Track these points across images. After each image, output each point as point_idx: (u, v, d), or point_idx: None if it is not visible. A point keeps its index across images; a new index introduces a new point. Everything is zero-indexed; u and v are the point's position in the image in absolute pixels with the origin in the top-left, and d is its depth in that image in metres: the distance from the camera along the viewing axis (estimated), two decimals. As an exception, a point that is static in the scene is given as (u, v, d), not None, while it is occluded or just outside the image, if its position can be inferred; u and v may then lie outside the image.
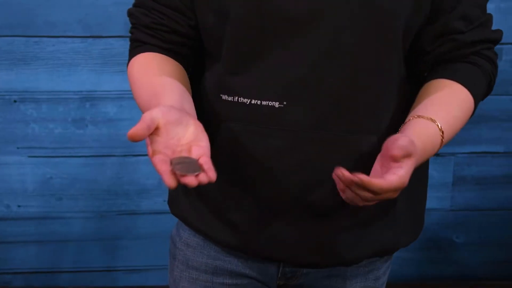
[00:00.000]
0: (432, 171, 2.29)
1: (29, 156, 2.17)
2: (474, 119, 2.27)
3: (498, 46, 1.13)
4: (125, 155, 2.20)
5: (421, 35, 1.12)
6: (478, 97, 1.16)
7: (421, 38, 1.13)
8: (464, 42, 1.13)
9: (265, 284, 1.22)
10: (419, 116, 1.08)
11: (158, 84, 1.09)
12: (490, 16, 1.18)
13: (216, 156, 1.12)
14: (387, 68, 1.11)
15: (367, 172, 1.06)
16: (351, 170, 0.99)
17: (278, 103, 1.07)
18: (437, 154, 2.30)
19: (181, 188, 1.21)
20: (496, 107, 2.28)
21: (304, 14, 1.06)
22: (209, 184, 1.14)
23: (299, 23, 1.06)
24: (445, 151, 2.30)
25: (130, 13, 1.20)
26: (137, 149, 2.18)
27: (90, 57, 2.11)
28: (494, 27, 1.20)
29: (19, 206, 2.20)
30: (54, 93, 2.12)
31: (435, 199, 2.34)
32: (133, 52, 1.18)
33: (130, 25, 1.20)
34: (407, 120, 1.09)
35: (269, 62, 1.08)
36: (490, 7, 2.31)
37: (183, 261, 1.25)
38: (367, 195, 0.98)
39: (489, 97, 2.35)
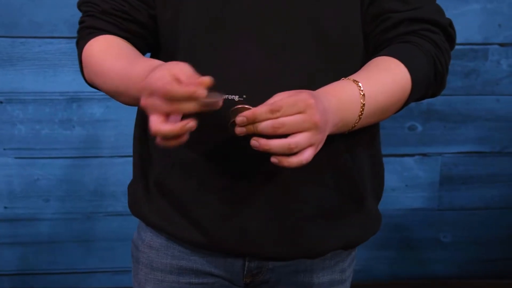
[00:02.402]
0: (419, 171, 2.30)
1: (16, 158, 2.16)
2: (460, 119, 2.30)
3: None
4: (111, 156, 2.19)
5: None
6: (416, 73, 1.09)
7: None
8: (399, 20, 1.11)
9: (232, 282, 1.21)
10: (342, 79, 1.06)
11: (132, 54, 1.09)
12: (436, 6, 1.15)
13: (176, 151, 1.10)
14: (345, 60, 1.11)
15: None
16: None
17: (237, 96, 1.06)
18: (423, 154, 2.32)
19: (143, 188, 1.21)
20: (482, 107, 2.29)
21: (259, 7, 1.07)
22: (172, 181, 1.14)
23: (254, 16, 1.07)
24: (432, 151, 2.31)
25: (82, 2, 1.16)
26: (124, 150, 2.17)
27: (76, 58, 2.10)
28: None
29: (5, 207, 2.19)
30: (40, 94, 2.11)
31: (422, 199, 2.35)
32: (86, 38, 1.15)
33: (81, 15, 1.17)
34: None
35: (227, 56, 1.07)
36: (476, 8, 2.32)
37: (147, 263, 1.23)
38: (267, 124, 0.94)
39: (475, 97, 2.38)
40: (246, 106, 0.96)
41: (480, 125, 2.30)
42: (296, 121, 0.94)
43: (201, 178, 1.13)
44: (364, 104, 1.04)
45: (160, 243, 1.21)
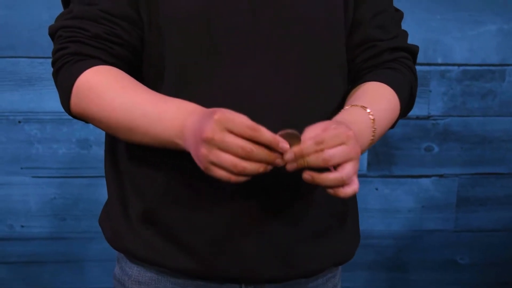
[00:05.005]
0: (436, 192, 2.29)
1: (33, 177, 2.17)
2: (477, 140, 2.29)
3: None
4: (128, 176, 2.19)
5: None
6: (402, 98, 1.18)
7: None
8: (385, 48, 1.19)
9: None
10: (345, 109, 1.11)
11: (145, 90, 1.06)
12: (406, 32, 1.24)
13: (168, 178, 1.11)
14: (330, 80, 1.14)
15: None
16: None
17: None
18: (440, 175, 2.31)
19: (123, 220, 1.16)
20: (499, 128, 2.28)
21: (248, 30, 1.07)
22: (162, 210, 1.11)
23: (243, 39, 1.07)
24: (448, 172, 2.30)
25: (62, 27, 1.09)
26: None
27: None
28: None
29: (22, 226, 2.20)
30: (58, 114, 2.13)
31: (439, 220, 2.33)
32: (76, 66, 1.07)
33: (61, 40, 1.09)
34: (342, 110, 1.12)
35: (216, 78, 1.07)
36: (493, 29, 2.31)
37: None
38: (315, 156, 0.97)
39: (492, 118, 2.36)
40: (290, 132, 0.98)
41: (497, 146, 2.29)
42: (343, 152, 0.97)
43: (193, 205, 1.11)
44: (375, 129, 1.10)
45: (149, 277, 1.17)
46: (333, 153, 0.96)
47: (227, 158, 0.94)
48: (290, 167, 0.98)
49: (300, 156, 0.96)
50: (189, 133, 0.99)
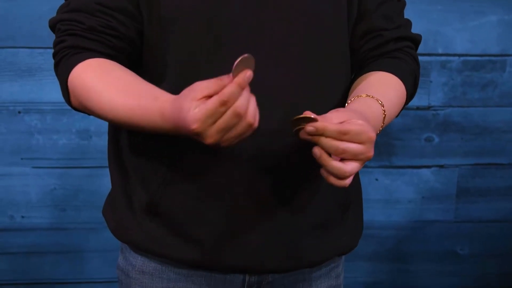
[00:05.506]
0: (436, 183, 2.29)
1: (33, 167, 2.17)
2: (477, 131, 2.29)
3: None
4: (128, 166, 2.19)
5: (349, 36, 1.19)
6: (407, 88, 1.20)
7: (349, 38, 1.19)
8: (390, 38, 1.20)
9: None
10: (359, 96, 1.11)
11: (134, 81, 1.05)
12: (409, 21, 1.25)
13: (171, 169, 1.11)
14: (334, 70, 1.15)
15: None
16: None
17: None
18: (440, 166, 2.31)
19: (127, 212, 1.17)
20: (500, 118, 2.27)
21: (250, 26, 1.07)
22: (165, 201, 1.12)
23: (245, 35, 1.07)
24: (448, 162, 2.30)
25: (60, 20, 1.10)
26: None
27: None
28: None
29: (22, 217, 2.21)
30: (58, 104, 2.13)
31: (439, 211, 2.33)
32: (71, 60, 1.08)
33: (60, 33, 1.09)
34: (348, 101, 1.12)
35: (218, 74, 1.04)
36: (493, 19, 2.31)
37: None
38: (334, 143, 0.97)
39: (492, 108, 2.37)
40: (312, 117, 0.98)
41: (498, 137, 2.29)
42: (356, 151, 0.98)
43: (197, 196, 1.11)
44: (383, 125, 1.12)
45: (153, 267, 1.18)
46: (348, 148, 0.97)
47: (235, 131, 0.93)
48: (304, 136, 0.98)
49: (321, 133, 0.97)
50: (174, 126, 0.98)
